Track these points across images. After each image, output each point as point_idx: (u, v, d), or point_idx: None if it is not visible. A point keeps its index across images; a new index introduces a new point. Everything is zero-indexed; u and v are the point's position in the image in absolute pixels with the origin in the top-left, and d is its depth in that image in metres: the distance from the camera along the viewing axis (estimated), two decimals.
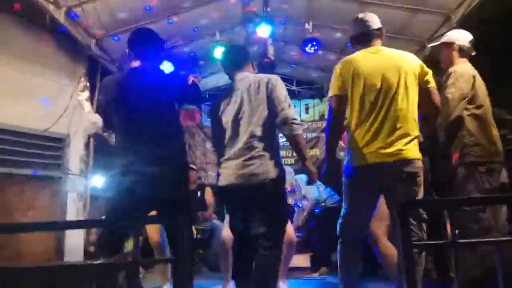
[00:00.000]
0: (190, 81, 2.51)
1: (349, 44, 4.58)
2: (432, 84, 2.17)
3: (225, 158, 2.29)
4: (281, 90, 2.28)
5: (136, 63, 2.37)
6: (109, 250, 2.04)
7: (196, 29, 4.81)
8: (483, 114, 2.44)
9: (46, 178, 3.91)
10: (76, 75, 4.34)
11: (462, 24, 3.94)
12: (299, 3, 4.71)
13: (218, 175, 2.37)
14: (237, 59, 2.50)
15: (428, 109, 2.21)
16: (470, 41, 2.61)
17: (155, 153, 2.10)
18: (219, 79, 6.29)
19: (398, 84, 2.10)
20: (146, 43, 2.39)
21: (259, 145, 2.20)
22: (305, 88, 7.05)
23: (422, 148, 2.30)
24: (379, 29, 2.28)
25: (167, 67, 4.85)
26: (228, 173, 2.25)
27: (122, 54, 4.24)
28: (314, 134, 6.90)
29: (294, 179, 4.51)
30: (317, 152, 6.79)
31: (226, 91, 2.42)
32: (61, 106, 4.04)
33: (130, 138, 2.20)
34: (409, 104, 2.11)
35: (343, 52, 5.33)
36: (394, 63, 2.14)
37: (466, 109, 2.42)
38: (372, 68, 2.14)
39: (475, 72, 2.51)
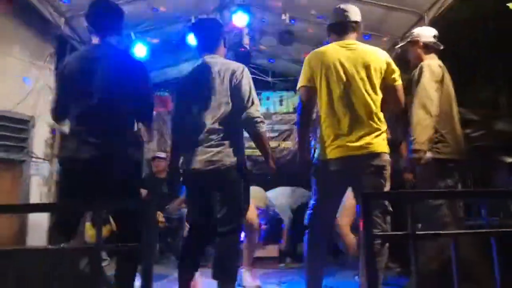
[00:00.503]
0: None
1: (326, 42, 4.62)
2: (399, 82, 2.20)
3: (187, 147, 2.28)
4: (246, 83, 2.23)
5: (95, 40, 2.19)
6: (62, 237, 2.00)
7: (177, 14, 4.68)
8: (450, 110, 2.49)
9: (8, 161, 3.77)
10: (44, 55, 4.18)
11: (434, 24, 4.05)
12: None
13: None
14: (210, 38, 2.40)
15: (393, 106, 2.24)
16: (435, 36, 2.64)
17: (103, 141, 2.01)
18: (193, 65, 6.19)
19: (365, 79, 2.13)
20: (106, 15, 2.19)
21: (219, 136, 2.20)
22: (280, 79, 7.06)
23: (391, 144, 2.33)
24: (356, 22, 2.29)
25: (140, 50, 4.75)
26: (188, 159, 2.25)
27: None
28: (287, 126, 6.95)
29: (267, 199, 4.58)
30: (290, 144, 6.84)
31: (193, 76, 2.34)
32: (27, 86, 3.89)
33: (81, 123, 2.07)
34: (376, 100, 2.14)
35: (319, 46, 5.35)
36: (362, 58, 2.16)
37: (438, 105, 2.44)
38: (340, 62, 2.16)
39: (444, 68, 2.55)
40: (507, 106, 4.11)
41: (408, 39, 2.71)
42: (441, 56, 2.70)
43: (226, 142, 2.19)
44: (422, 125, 2.33)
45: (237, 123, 2.24)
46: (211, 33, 2.42)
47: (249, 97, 2.21)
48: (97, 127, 2.04)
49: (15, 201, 3.73)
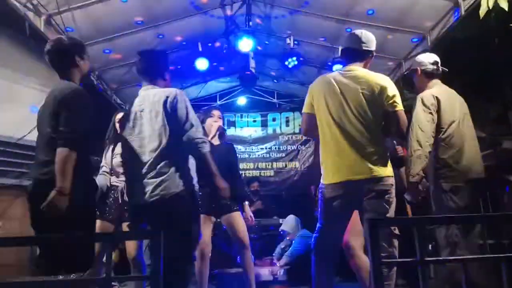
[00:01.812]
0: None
1: (333, 62, 4.68)
2: (398, 108, 2.17)
3: (130, 178, 2.30)
4: (181, 107, 2.19)
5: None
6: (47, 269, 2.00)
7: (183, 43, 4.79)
8: (449, 135, 2.45)
9: (20, 188, 3.81)
10: (54, 82, 4.27)
11: (437, 44, 4.09)
12: (281, 18, 4.80)
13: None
14: (150, 69, 2.38)
15: (394, 131, 2.23)
16: (433, 63, 2.62)
17: (35, 174, 2.12)
18: (200, 89, 6.36)
19: (360, 105, 2.15)
20: (56, 55, 2.31)
21: (160, 164, 2.16)
22: (286, 101, 7.13)
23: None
24: (367, 51, 2.30)
25: None
26: (133, 192, 2.25)
27: None
28: (294, 147, 6.98)
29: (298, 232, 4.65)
30: (297, 164, 6.85)
31: (132, 107, 2.33)
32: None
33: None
34: (371, 125, 2.15)
35: (323, 67, 5.43)
36: (360, 84, 2.18)
37: (432, 135, 2.42)
38: (336, 90, 2.19)
39: (441, 94, 2.50)
40: None
41: (411, 68, 2.74)
42: (446, 75, 2.68)
43: (168, 170, 2.15)
44: (414, 156, 2.37)
45: (179, 150, 2.21)
46: (151, 65, 2.41)
47: (186, 119, 2.18)
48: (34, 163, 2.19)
49: (26, 229, 3.75)
